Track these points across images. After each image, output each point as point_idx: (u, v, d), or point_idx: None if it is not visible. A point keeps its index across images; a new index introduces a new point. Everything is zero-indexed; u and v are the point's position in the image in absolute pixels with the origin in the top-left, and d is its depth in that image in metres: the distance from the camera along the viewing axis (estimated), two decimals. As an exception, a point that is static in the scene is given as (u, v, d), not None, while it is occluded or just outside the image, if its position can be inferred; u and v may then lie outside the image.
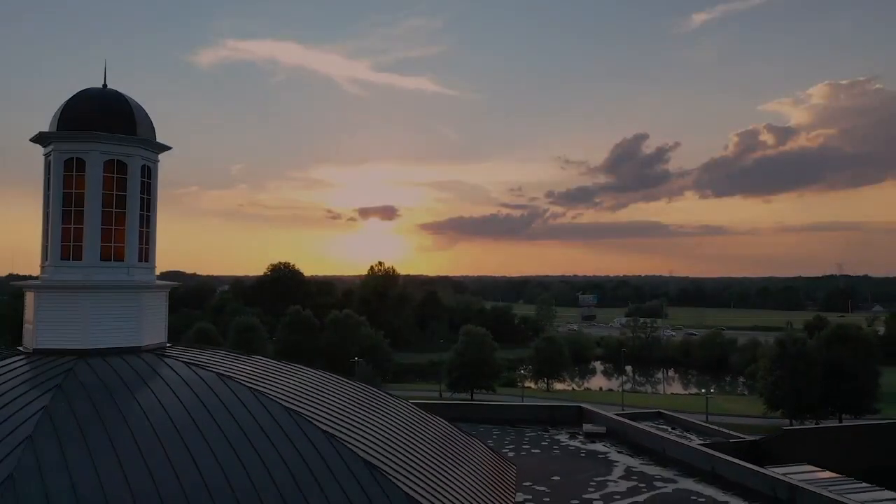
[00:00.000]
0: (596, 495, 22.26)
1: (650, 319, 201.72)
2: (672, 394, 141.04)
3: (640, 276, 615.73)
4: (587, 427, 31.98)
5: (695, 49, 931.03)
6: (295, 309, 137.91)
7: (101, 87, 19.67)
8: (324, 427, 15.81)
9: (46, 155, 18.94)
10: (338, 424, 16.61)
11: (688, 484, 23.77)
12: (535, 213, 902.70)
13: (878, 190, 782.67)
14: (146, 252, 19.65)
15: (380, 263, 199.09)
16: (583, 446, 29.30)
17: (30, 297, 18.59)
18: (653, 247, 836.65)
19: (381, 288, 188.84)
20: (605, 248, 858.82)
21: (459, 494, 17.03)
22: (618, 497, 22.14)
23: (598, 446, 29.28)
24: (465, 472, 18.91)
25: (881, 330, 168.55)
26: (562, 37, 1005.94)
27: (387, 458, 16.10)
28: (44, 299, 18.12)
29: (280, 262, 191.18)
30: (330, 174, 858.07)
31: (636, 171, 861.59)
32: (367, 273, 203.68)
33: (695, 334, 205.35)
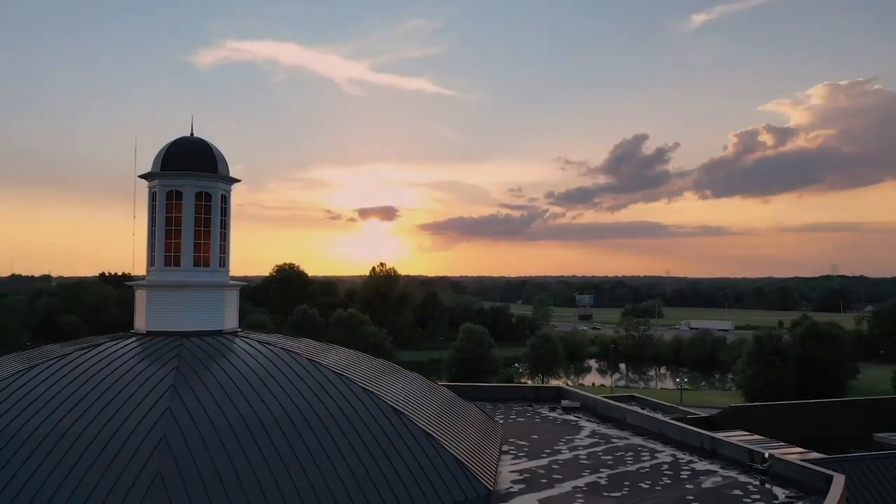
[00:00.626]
0: (564, 448, 28.67)
1: (643, 319, 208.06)
2: (661, 388, 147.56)
3: (638, 276, 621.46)
4: (564, 402, 38.38)
5: (694, 50, 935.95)
6: (302, 308, 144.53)
7: (189, 135, 26.17)
8: (363, 385, 22.28)
9: (151, 188, 25.39)
10: (372, 384, 23.10)
11: (637, 440, 30.18)
12: (534, 213, 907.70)
13: (876, 190, 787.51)
14: (224, 259, 26.13)
15: (381, 264, 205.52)
16: (559, 416, 35.71)
17: (141, 294, 25.05)
18: (651, 247, 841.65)
19: (383, 288, 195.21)
20: (604, 248, 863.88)
21: (460, 436, 23.48)
22: (581, 448, 28.55)
23: (572, 417, 35.68)
24: (464, 423, 25.40)
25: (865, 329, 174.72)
26: (562, 37, 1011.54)
27: (408, 406, 22.58)
28: (153, 295, 24.58)
29: (285, 263, 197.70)
30: (329, 175, 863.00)
31: (636, 171, 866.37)
32: (367, 273, 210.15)
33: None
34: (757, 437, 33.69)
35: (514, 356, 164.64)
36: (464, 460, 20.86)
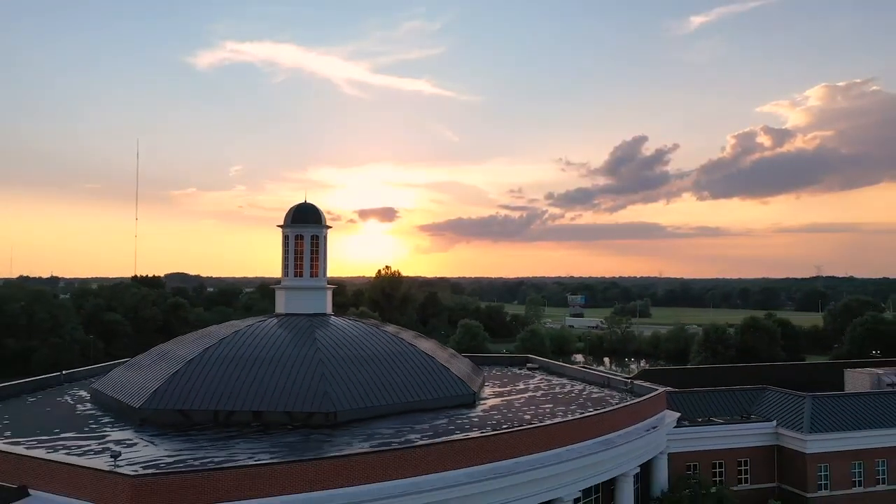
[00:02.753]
0: (521, 384, 48.03)
1: (626, 317, 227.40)
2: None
3: (634, 277, 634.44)
4: (529, 365, 57.74)
5: (693, 52, 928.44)
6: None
7: (305, 202, 45.57)
8: (408, 341, 41.73)
9: (285, 233, 44.76)
10: (413, 341, 42.57)
11: (566, 381, 49.60)
12: (533, 214, 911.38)
13: (874, 191, 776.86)
14: (324, 272, 45.53)
15: (387, 267, 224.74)
16: (524, 372, 55.13)
17: (280, 292, 44.55)
18: (649, 248, 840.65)
19: (388, 289, 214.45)
20: (602, 249, 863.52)
21: (460, 369, 42.79)
22: (531, 384, 47.92)
23: (532, 373, 55.12)
24: (462, 364, 44.84)
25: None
26: (561, 39, 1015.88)
27: (432, 352, 41.98)
28: (288, 293, 44.05)
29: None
30: (329, 176, 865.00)
31: (635, 172, 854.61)
32: (367, 274, 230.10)
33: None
34: (650, 384, 52.84)
35: (506, 350, 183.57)
36: (463, 378, 40.35)
